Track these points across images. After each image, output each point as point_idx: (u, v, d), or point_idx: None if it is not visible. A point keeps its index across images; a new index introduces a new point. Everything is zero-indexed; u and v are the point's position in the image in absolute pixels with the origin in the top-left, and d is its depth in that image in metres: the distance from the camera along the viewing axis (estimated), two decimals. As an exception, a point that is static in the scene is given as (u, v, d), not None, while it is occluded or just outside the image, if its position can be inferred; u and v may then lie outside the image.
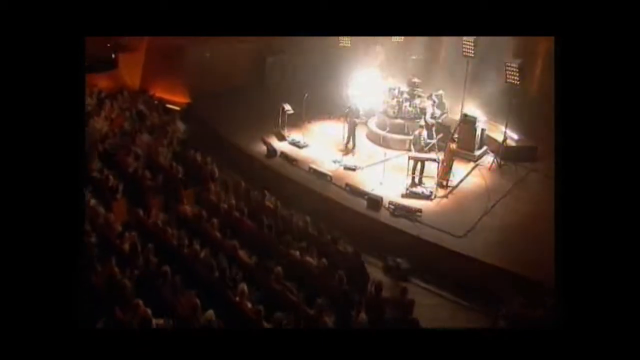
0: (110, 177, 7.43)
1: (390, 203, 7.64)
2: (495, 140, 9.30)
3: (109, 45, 11.49)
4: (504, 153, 9.01)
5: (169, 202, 7.67)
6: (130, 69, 11.86)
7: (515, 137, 9.25)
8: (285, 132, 9.87)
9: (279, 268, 5.62)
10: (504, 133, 8.93)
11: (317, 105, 10.53)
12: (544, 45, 8.92)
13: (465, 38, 8.89)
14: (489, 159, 9.19)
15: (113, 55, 11.55)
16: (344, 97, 9.83)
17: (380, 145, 9.65)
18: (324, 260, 5.94)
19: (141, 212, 6.81)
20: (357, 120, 9.39)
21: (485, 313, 5.92)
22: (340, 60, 10.80)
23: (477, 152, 9.18)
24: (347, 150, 9.41)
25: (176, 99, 11.94)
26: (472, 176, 8.76)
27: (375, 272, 6.56)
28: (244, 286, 5.21)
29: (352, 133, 9.42)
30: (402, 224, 7.32)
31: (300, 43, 11.90)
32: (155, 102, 11.20)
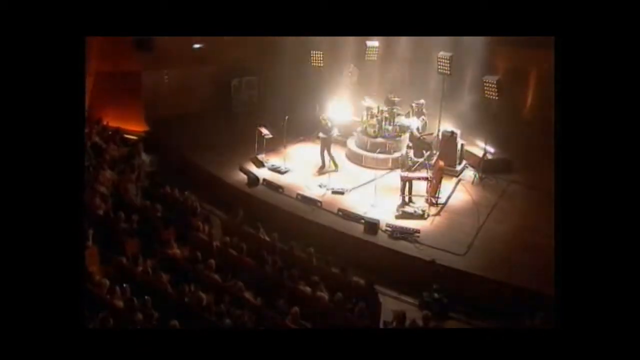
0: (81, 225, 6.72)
1: (388, 225, 7.59)
2: (473, 155, 9.65)
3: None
4: (483, 166, 9.38)
5: (148, 245, 7.08)
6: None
7: (492, 150, 9.66)
8: (263, 158, 9.58)
9: (296, 308, 5.32)
10: (484, 148, 9.29)
11: (291, 127, 10.36)
12: (514, 62, 9.50)
13: (440, 55, 9.20)
14: (469, 174, 9.51)
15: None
16: (317, 118, 9.72)
17: (361, 165, 9.67)
18: (339, 294, 5.72)
19: (124, 260, 6.20)
20: (331, 138, 9.31)
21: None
22: (313, 80, 10.76)
23: (458, 167, 9.47)
24: (323, 171, 9.24)
25: (132, 127, 11.21)
26: (457, 191, 8.98)
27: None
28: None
29: (327, 152, 9.30)
30: (403, 246, 7.30)
31: (268, 63, 11.75)
32: (110, 132, 10.41)
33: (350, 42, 10.54)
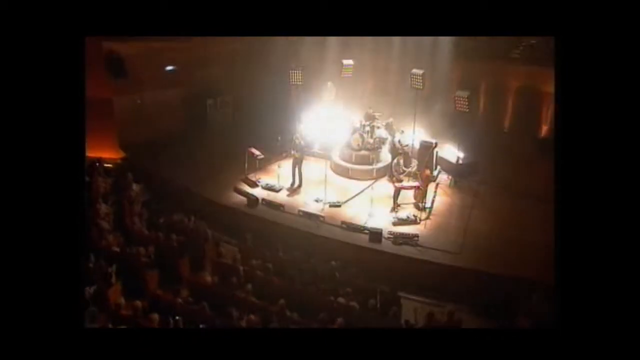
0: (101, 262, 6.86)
1: (389, 233, 8.50)
2: (446, 160, 10.90)
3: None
4: (455, 171, 10.67)
5: (167, 276, 7.36)
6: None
7: (462, 155, 10.98)
8: (254, 178, 10.08)
9: (341, 319, 6.02)
10: (457, 154, 10.56)
11: (272, 145, 10.97)
12: (481, 77, 10.84)
13: (413, 72, 10.30)
14: (443, 177, 10.73)
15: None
16: (295, 135, 10.30)
17: (347, 177, 10.54)
18: (372, 301, 6.51)
19: (160, 292, 6.49)
20: (302, 156, 9.92)
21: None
22: (291, 98, 11.43)
23: (435, 173, 10.64)
24: (293, 188, 9.84)
25: (106, 155, 11.12)
26: (438, 195, 10.15)
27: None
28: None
29: (298, 169, 9.89)
30: (406, 250, 8.25)
31: (244, 82, 12.22)
32: (95, 163, 10.25)
33: (328, 60, 11.38)
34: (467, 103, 9.76)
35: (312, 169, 10.49)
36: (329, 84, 11.32)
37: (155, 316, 5.80)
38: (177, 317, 5.80)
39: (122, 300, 6.17)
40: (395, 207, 9.31)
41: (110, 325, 5.42)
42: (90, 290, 6.42)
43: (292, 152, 9.98)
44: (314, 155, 10.89)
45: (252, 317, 5.94)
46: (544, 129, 11.67)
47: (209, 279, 6.92)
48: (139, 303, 6.01)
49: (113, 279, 6.85)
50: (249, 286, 6.58)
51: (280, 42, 11.64)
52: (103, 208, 8.51)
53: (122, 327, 5.20)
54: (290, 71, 10.94)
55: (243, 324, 5.92)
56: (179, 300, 6.37)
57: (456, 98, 9.87)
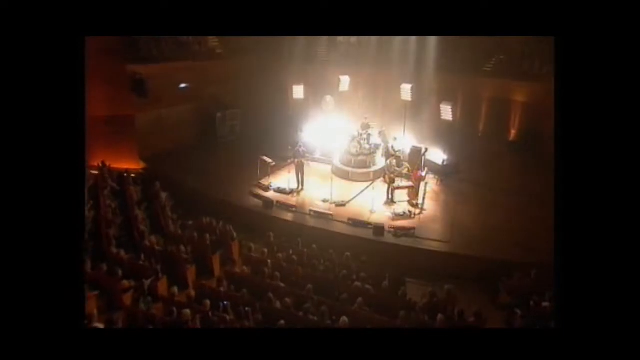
0: (150, 261, 7.49)
1: (390, 227, 9.36)
2: (432, 162, 11.84)
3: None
4: (440, 171, 11.64)
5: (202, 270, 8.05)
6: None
7: (446, 157, 11.96)
8: (266, 182, 10.79)
9: (361, 299, 6.83)
10: (443, 157, 11.54)
11: (278, 152, 11.71)
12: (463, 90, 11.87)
13: (402, 86, 11.22)
14: (430, 177, 11.67)
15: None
16: (297, 143, 11.03)
17: (348, 179, 11.37)
18: (385, 283, 7.35)
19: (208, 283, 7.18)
20: (303, 162, 10.65)
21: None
22: (293, 110, 12.19)
23: (423, 173, 11.57)
24: (299, 190, 10.53)
25: (127, 165, 11.66)
26: (427, 193, 11.07)
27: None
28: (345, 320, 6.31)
29: (300, 174, 10.59)
30: (406, 241, 9.12)
31: (250, 96, 12.89)
32: (124, 175, 10.81)
33: (327, 75, 12.20)
34: (451, 113, 10.74)
35: (317, 172, 11.28)
36: (328, 97, 12.14)
37: (207, 302, 6.50)
38: (225, 302, 6.50)
39: (175, 290, 6.83)
40: (389, 199, 10.20)
41: (174, 310, 6.07)
42: (147, 282, 7.08)
43: (296, 159, 10.64)
44: (316, 160, 11.71)
45: (287, 299, 6.69)
46: (512, 133, 12.78)
47: (238, 270, 7.60)
48: (192, 292, 6.68)
49: (160, 274, 7.50)
50: (278, 274, 7.33)
51: (282, 61, 12.39)
52: (139, 214, 9.11)
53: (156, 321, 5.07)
54: (294, 86, 11.70)
55: (278, 305, 6.65)
56: (222, 289, 7.05)
57: (441, 108, 10.83)
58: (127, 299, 6.87)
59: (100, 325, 5.72)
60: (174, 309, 6.29)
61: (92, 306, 6.42)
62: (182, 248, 7.88)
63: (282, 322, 6.08)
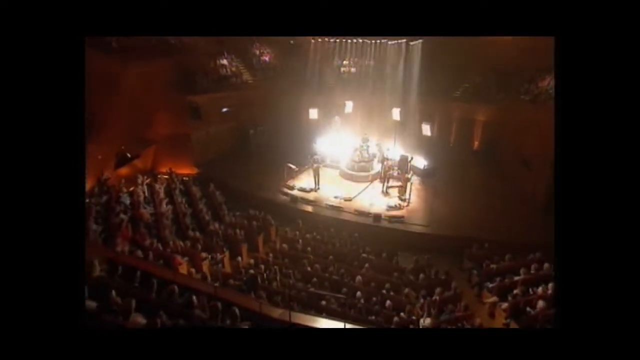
0: (216, 241, 9.31)
1: (385, 216, 11.18)
2: (416, 167, 13.66)
3: (123, 147, 12.34)
4: (422, 173, 13.49)
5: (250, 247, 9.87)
6: (145, 157, 13.00)
7: (426, 163, 13.79)
8: (291, 183, 12.58)
9: (367, 265, 8.67)
10: (424, 163, 13.39)
11: (298, 159, 13.48)
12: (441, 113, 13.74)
13: (393, 110, 13.03)
14: (415, 178, 13.50)
15: (128, 155, 12.46)
16: (313, 152, 12.82)
17: (352, 180, 13.18)
18: (383, 254, 9.19)
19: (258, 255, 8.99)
20: (320, 166, 12.39)
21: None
22: (309, 127, 14.00)
23: (409, 176, 13.41)
24: (315, 189, 12.18)
25: (186, 171, 13.43)
26: (412, 190, 12.89)
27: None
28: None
29: (317, 177, 12.30)
30: (397, 226, 10.94)
31: (275, 117, 14.69)
32: (184, 179, 12.50)
33: (335, 100, 14.04)
34: (429, 130, 12.59)
35: (329, 175, 13.11)
36: (336, 117, 13.95)
37: (262, 266, 8.34)
38: (275, 267, 8.32)
39: (239, 260, 8.65)
40: (384, 191, 12.04)
41: (242, 271, 7.86)
42: (217, 256, 8.87)
43: (313, 165, 12.34)
44: (328, 166, 13.52)
45: (317, 265, 8.52)
46: (475, 144, 14.70)
47: (278, 247, 9.42)
48: (252, 260, 8.51)
49: (224, 249, 9.30)
50: (309, 249, 9.16)
51: (300, 89, 14.23)
52: (203, 207, 10.89)
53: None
54: (310, 109, 13.50)
55: (309, 269, 8.46)
56: (269, 258, 8.88)
57: (422, 127, 12.68)
58: (205, 265, 8.66)
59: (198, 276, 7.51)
60: (242, 270, 8.14)
61: (183, 268, 8.17)
62: (237, 231, 9.69)
63: (315, 279, 7.92)
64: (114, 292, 4.86)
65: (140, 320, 4.33)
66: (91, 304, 4.51)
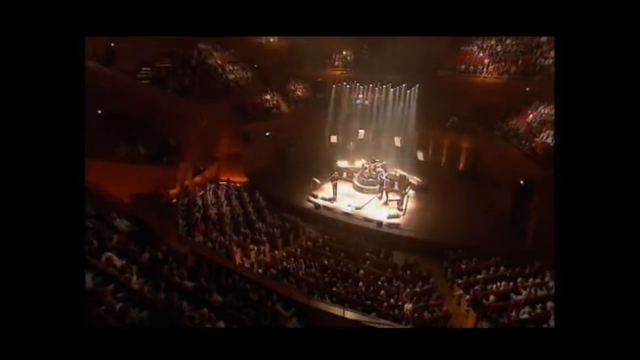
0: (260, 236, 10.89)
1: (386, 223, 12.44)
2: (411, 182, 14.81)
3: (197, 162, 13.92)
4: (416, 189, 14.67)
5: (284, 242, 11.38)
6: (212, 169, 14.66)
7: (420, 180, 14.92)
8: (315, 193, 14.02)
9: (369, 261, 10.05)
10: (418, 180, 14.56)
11: (322, 174, 14.91)
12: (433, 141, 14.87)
13: (395, 138, 14.25)
14: (411, 192, 14.65)
15: (201, 168, 13.81)
16: (333, 169, 14.18)
17: (362, 192, 14.46)
18: (382, 254, 10.53)
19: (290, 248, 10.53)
20: (338, 181, 13.71)
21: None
22: (331, 148, 15.41)
23: (405, 191, 14.60)
24: (333, 200, 13.47)
25: (239, 179, 15.04)
26: (408, 203, 14.06)
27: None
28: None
29: (335, 189, 13.57)
30: (395, 232, 12.18)
31: (304, 139, 16.12)
32: (236, 185, 14.09)
33: (350, 128, 15.39)
34: (423, 156, 13.75)
35: (344, 188, 14.47)
36: (351, 143, 15.27)
37: (292, 259, 9.85)
38: (301, 260, 9.81)
39: (279, 251, 10.16)
40: (385, 199, 13.30)
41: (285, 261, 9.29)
42: (261, 248, 10.43)
43: (332, 179, 13.70)
44: (343, 181, 14.86)
45: (332, 260, 9.96)
46: (460, 165, 15.66)
47: (304, 244, 10.91)
48: (284, 253, 10.03)
49: (266, 243, 10.85)
50: (327, 248, 10.61)
51: (323, 117, 15.68)
52: (251, 209, 12.49)
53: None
54: (331, 136, 14.86)
55: (326, 262, 9.90)
56: (297, 252, 10.40)
57: (417, 153, 13.85)
58: (253, 254, 10.22)
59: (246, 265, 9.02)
60: (278, 261, 9.67)
61: (237, 258, 9.75)
62: (275, 230, 11.26)
63: (330, 271, 9.37)
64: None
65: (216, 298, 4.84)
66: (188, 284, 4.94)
